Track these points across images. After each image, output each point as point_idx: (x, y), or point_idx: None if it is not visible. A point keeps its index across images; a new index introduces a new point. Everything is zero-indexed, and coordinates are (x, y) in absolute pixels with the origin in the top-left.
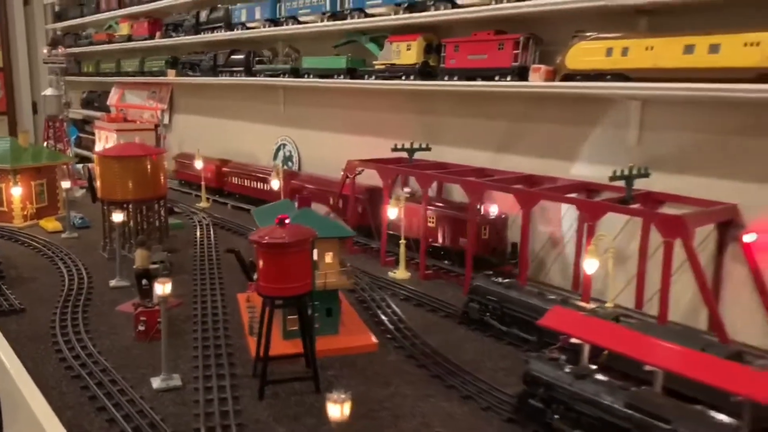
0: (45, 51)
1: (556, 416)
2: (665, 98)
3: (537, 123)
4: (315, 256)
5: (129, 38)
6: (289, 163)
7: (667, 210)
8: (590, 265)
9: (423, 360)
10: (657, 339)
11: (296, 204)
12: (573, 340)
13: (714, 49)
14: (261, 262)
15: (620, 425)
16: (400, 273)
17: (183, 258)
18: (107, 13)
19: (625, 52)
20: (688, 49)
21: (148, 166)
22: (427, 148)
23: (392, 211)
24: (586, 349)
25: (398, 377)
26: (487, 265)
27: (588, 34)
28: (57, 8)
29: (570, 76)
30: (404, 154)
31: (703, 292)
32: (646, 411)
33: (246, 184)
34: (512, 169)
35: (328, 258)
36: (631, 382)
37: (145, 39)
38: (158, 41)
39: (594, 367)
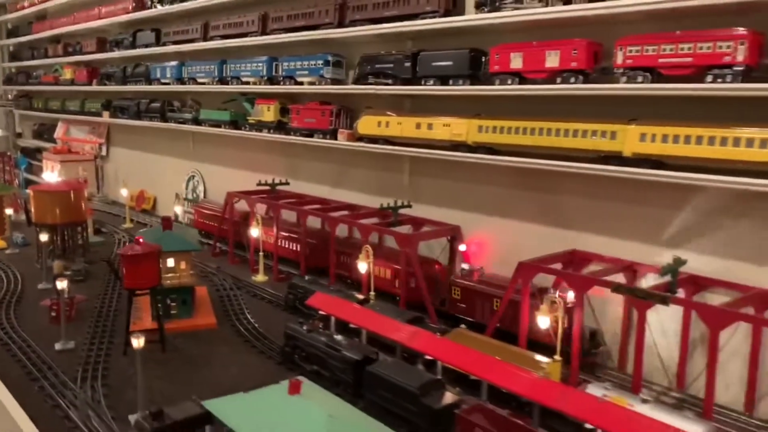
0: None
1: (296, 356)
2: (412, 156)
3: (354, 168)
4: (173, 263)
5: (72, 82)
6: (196, 192)
7: (426, 229)
8: (362, 267)
9: (243, 332)
10: (372, 312)
11: (162, 228)
12: (322, 312)
13: (430, 126)
14: (124, 268)
15: (322, 356)
16: (260, 277)
17: (98, 268)
18: (54, 59)
19: (387, 124)
20: (418, 125)
21: (72, 198)
22: (286, 183)
23: (255, 231)
24: (332, 318)
25: (222, 342)
26: (564, 355)
27: (371, 109)
28: (12, 48)
29: (360, 138)
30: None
31: (419, 285)
32: (331, 346)
33: (281, 244)
34: (341, 199)
35: (182, 265)
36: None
37: (85, 84)
38: (95, 87)
39: (323, 328)
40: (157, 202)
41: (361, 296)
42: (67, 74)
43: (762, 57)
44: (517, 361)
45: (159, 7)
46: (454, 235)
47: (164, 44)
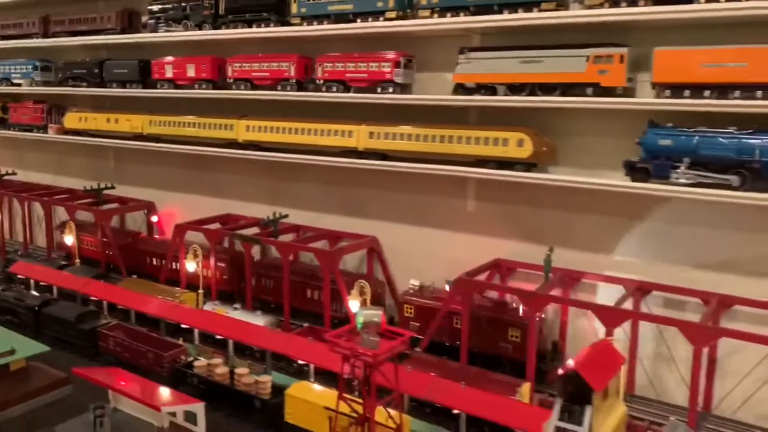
0: None
1: None
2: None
3: (71, 156)
4: None
5: None
6: None
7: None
8: (68, 240)
9: None
10: (62, 272)
11: None
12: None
13: (117, 121)
14: None
15: (12, 307)
16: None
17: None
18: None
19: (86, 120)
20: (108, 120)
21: None
22: (14, 173)
23: None
24: (31, 280)
25: None
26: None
27: (76, 107)
28: None
29: (67, 132)
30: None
31: (114, 252)
32: (18, 298)
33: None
34: (64, 185)
35: None
36: None
37: None
38: None
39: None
40: None
41: (65, 263)
42: None
43: (308, 74)
44: (165, 295)
45: None
46: (149, 209)
47: None
